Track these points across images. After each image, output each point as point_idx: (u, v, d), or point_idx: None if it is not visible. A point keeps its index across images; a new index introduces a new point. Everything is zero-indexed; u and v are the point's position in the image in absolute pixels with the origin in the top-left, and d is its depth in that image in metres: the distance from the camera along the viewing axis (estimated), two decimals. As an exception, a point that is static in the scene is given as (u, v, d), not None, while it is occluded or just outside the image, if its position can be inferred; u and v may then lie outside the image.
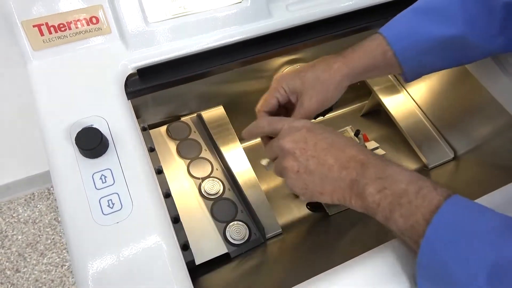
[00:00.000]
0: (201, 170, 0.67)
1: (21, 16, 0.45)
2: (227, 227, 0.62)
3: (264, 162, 0.50)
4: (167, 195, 0.61)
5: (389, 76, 0.85)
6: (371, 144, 0.72)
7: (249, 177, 0.69)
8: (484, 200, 0.51)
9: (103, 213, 0.40)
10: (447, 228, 0.32)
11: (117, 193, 0.41)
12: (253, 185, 0.68)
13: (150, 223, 0.41)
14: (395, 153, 0.79)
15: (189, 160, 0.68)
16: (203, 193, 0.64)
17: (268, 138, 0.49)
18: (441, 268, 0.32)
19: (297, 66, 0.49)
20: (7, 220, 1.41)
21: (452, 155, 0.75)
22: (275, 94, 0.49)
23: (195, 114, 0.75)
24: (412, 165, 0.77)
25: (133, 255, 0.39)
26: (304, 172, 0.40)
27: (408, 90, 0.84)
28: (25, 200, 1.45)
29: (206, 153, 0.70)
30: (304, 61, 0.72)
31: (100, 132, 0.42)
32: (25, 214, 1.42)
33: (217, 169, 0.68)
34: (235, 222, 0.62)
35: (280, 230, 0.64)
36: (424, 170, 0.75)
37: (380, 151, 0.71)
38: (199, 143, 0.71)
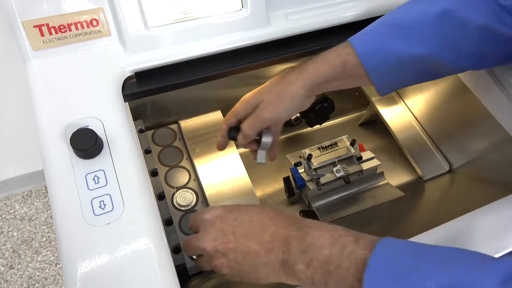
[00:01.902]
0: (178, 179, 0.67)
1: (22, 16, 0.45)
2: None
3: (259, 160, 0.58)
4: (161, 197, 0.62)
5: (388, 87, 0.86)
6: (367, 154, 0.72)
7: (244, 183, 0.69)
8: (477, 214, 0.51)
9: (94, 213, 0.41)
10: (380, 282, 0.32)
11: (109, 194, 0.41)
12: (247, 191, 0.68)
13: (140, 225, 0.41)
14: (391, 164, 0.80)
15: (168, 168, 0.67)
16: (174, 203, 0.63)
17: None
18: None
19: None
20: (3, 216, 1.41)
21: (447, 168, 0.75)
22: (234, 113, 0.53)
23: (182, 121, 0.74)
24: (407, 176, 0.77)
25: (122, 256, 0.39)
26: (234, 266, 0.40)
27: (406, 102, 0.84)
28: (22, 197, 1.45)
29: (186, 162, 0.69)
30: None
31: (95, 133, 0.42)
32: (22, 211, 1.42)
33: (194, 180, 0.67)
34: None
35: (273, 236, 0.64)
36: (419, 182, 0.75)
37: (375, 162, 0.71)
38: (181, 151, 0.70)
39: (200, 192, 0.65)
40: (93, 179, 0.42)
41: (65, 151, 0.43)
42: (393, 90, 0.51)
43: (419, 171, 0.75)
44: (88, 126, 0.44)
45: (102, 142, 0.44)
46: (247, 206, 0.43)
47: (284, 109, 0.50)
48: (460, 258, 0.32)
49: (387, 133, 0.82)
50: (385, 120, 0.81)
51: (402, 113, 0.83)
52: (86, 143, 0.41)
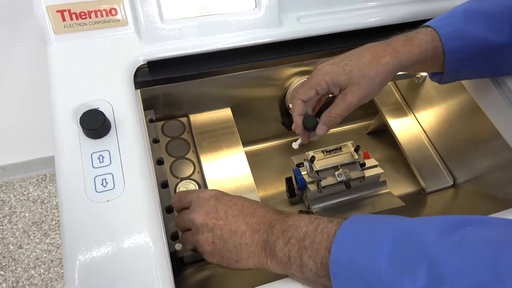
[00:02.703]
0: (183, 170, 0.68)
1: (47, 1, 0.48)
2: None
3: (295, 146, 0.55)
4: (164, 185, 0.63)
5: (398, 98, 0.86)
6: (371, 162, 0.73)
7: (247, 182, 0.70)
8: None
9: (96, 190, 0.43)
10: (347, 243, 0.34)
11: (111, 174, 0.44)
12: (250, 190, 0.69)
13: (138, 205, 0.43)
14: (395, 174, 0.80)
15: (174, 159, 0.69)
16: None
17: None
18: (353, 276, 0.33)
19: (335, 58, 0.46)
20: (17, 197, 1.46)
21: (451, 182, 0.75)
22: (315, 86, 0.47)
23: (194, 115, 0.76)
24: (410, 188, 0.77)
25: (118, 233, 0.41)
26: (219, 242, 0.41)
27: (416, 114, 0.84)
28: (37, 180, 1.50)
29: (192, 155, 0.71)
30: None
31: (104, 115, 0.44)
32: (35, 194, 1.47)
33: (198, 172, 0.69)
34: None
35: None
36: (421, 194, 0.75)
37: (378, 170, 0.72)
38: (188, 144, 0.72)
39: (203, 184, 0.67)
40: (98, 158, 0.44)
41: (75, 129, 0.45)
42: (455, 80, 0.51)
43: (422, 183, 0.75)
44: (98, 108, 0.46)
45: (110, 124, 0.46)
46: (243, 196, 0.45)
47: (372, 94, 0.47)
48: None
49: (394, 143, 0.82)
50: (393, 131, 0.82)
51: (411, 126, 0.84)
52: (95, 123, 0.44)
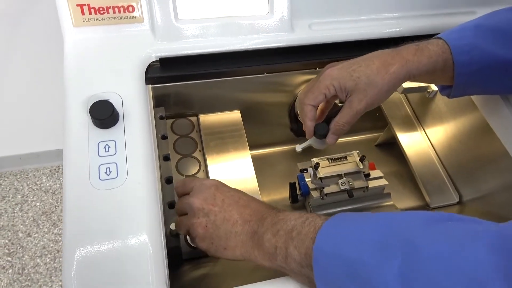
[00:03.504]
0: (188, 168, 0.69)
1: (69, -5, 0.50)
2: None
3: (299, 148, 0.56)
4: (168, 181, 0.65)
5: (408, 111, 0.86)
6: (376, 173, 0.73)
7: (251, 186, 0.71)
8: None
9: (99, 178, 0.44)
10: (331, 233, 0.35)
11: (115, 163, 0.45)
12: (253, 194, 0.70)
13: (139, 196, 0.44)
14: (400, 187, 0.79)
15: (181, 156, 0.71)
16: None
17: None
18: (335, 265, 0.34)
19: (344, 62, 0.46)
20: (30, 186, 1.50)
21: (457, 200, 0.74)
22: (324, 90, 0.47)
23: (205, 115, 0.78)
24: (414, 202, 0.76)
25: (117, 221, 0.42)
26: (211, 227, 0.43)
27: (425, 129, 0.84)
28: (50, 171, 1.54)
29: (199, 154, 0.72)
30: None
31: (113, 106, 0.46)
32: (47, 184, 1.51)
33: (203, 171, 0.69)
34: None
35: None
36: (425, 209, 0.74)
37: (383, 181, 0.71)
38: (196, 143, 0.73)
39: None
40: (104, 147, 0.46)
41: (84, 118, 0.47)
42: (464, 95, 0.50)
43: (427, 198, 0.75)
44: (108, 99, 0.48)
45: (118, 116, 0.47)
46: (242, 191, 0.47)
47: (378, 101, 0.47)
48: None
49: (401, 157, 0.82)
50: (401, 144, 0.82)
51: (420, 140, 0.83)
52: (103, 114, 0.45)
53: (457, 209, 0.73)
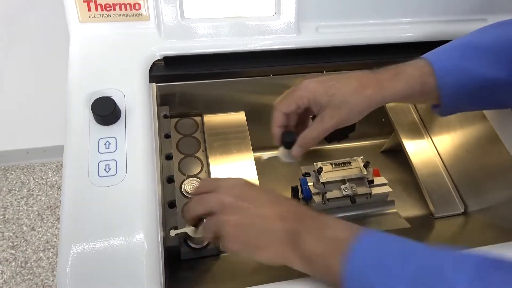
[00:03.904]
0: (190, 167, 0.69)
1: (75, -9, 0.50)
2: None
3: (265, 156, 0.53)
4: (170, 180, 0.64)
5: (416, 118, 0.85)
6: (380, 180, 0.72)
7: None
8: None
9: (98, 175, 0.44)
10: (367, 253, 0.35)
11: (115, 160, 0.45)
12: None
13: (137, 194, 0.44)
14: (405, 195, 0.78)
15: (183, 156, 0.70)
16: (182, 190, 0.65)
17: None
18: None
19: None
20: (36, 180, 1.51)
21: (462, 210, 0.73)
22: (297, 100, 0.46)
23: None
24: (418, 210, 0.75)
25: (114, 218, 0.42)
26: (243, 225, 0.40)
27: (432, 138, 0.83)
28: (56, 166, 1.55)
29: (202, 154, 0.71)
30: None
31: (115, 102, 0.46)
32: (53, 179, 1.52)
33: (205, 171, 0.69)
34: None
35: (269, 240, 0.65)
36: (429, 218, 0.73)
37: (387, 188, 0.71)
38: (199, 143, 0.73)
39: None
40: (105, 144, 0.46)
41: (86, 114, 0.47)
42: (456, 113, 0.49)
43: (431, 207, 0.73)
44: (111, 96, 0.48)
45: (120, 113, 0.47)
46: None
47: (349, 121, 0.47)
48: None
49: (407, 164, 0.81)
50: (407, 152, 0.80)
51: (426, 148, 0.82)
52: (105, 110, 0.45)
53: (461, 219, 0.72)
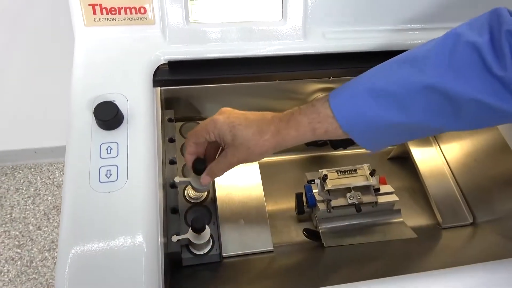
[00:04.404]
0: None
1: (81, -6, 0.50)
2: None
3: (177, 179, 0.57)
4: (173, 185, 0.64)
5: (424, 126, 0.83)
6: (386, 188, 0.70)
7: (256, 193, 0.70)
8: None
9: (99, 180, 0.44)
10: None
11: (116, 166, 0.44)
12: (258, 201, 0.69)
13: (137, 200, 0.43)
14: (412, 204, 0.77)
15: None
16: (185, 195, 0.65)
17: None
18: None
19: (232, 111, 0.50)
20: (43, 180, 1.52)
21: (470, 221, 0.71)
22: (205, 134, 0.51)
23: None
24: (424, 220, 0.74)
25: (114, 224, 0.41)
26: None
27: (441, 146, 0.81)
28: (64, 166, 1.55)
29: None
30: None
31: (117, 107, 0.45)
32: (60, 179, 1.52)
33: None
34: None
35: (272, 248, 0.64)
36: (436, 228, 0.72)
37: (393, 197, 0.69)
38: None
39: (212, 189, 0.67)
40: (106, 149, 0.45)
41: (89, 119, 0.47)
42: (381, 149, 0.49)
43: (438, 217, 0.72)
44: (114, 100, 0.47)
45: (123, 117, 0.47)
46: None
47: (251, 160, 0.51)
48: None
49: (414, 172, 0.79)
50: (414, 160, 0.79)
51: (435, 157, 0.80)
52: (107, 115, 0.45)
53: (469, 230, 0.70)
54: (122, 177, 0.44)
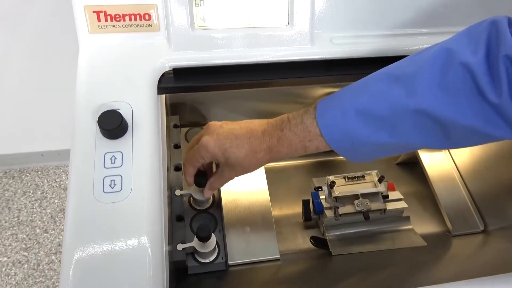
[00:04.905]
0: None
1: (85, 1, 0.50)
2: None
3: (178, 192, 0.60)
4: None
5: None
6: (395, 195, 0.69)
7: (262, 198, 0.69)
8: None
9: (103, 190, 0.43)
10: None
11: (121, 176, 0.44)
12: (264, 206, 0.68)
13: (142, 212, 0.42)
14: (421, 211, 0.75)
15: None
16: (191, 202, 0.64)
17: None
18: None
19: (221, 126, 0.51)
20: (50, 183, 1.52)
21: (481, 228, 0.70)
22: (200, 159, 0.52)
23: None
24: (434, 228, 0.72)
25: (118, 236, 0.41)
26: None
27: (450, 150, 0.80)
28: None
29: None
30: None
31: (121, 116, 0.45)
32: (67, 182, 1.52)
33: None
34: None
35: (278, 256, 0.63)
36: (446, 236, 0.70)
37: (402, 204, 0.68)
38: None
39: (217, 195, 0.66)
40: (111, 159, 0.45)
41: (93, 128, 0.46)
42: (368, 161, 0.48)
43: (448, 224, 0.70)
44: (118, 109, 0.47)
45: (127, 126, 0.46)
46: None
47: (250, 172, 0.52)
48: None
49: (423, 178, 0.78)
50: (423, 164, 0.78)
51: (444, 161, 0.79)
52: (111, 124, 0.44)
53: (481, 238, 0.69)
54: (126, 187, 0.43)
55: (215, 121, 0.53)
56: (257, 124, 0.51)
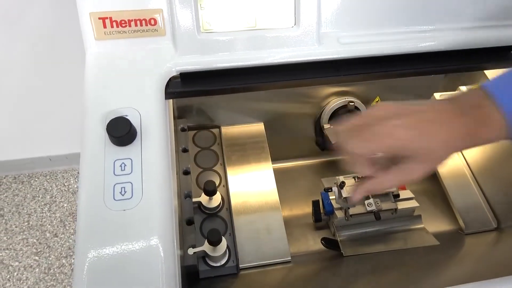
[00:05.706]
0: None
1: (91, 8, 0.50)
2: None
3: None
4: (187, 196, 0.63)
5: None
6: (406, 194, 0.68)
7: (271, 199, 0.69)
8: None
9: (114, 198, 0.43)
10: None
11: (131, 183, 0.44)
12: (273, 208, 0.68)
13: (153, 219, 0.42)
14: (432, 209, 0.75)
15: (201, 170, 0.69)
16: (200, 205, 0.64)
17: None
18: None
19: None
20: (59, 187, 1.53)
21: (494, 226, 0.69)
22: (383, 149, 0.40)
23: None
24: (446, 226, 0.71)
25: (129, 244, 0.41)
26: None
27: (461, 147, 0.79)
28: (78, 173, 1.56)
29: (220, 167, 0.70)
30: (350, 95, 0.71)
31: (130, 123, 0.45)
32: (75, 186, 1.54)
33: (223, 186, 0.67)
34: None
35: (289, 258, 0.63)
36: (458, 234, 0.69)
37: (413, 203, 0.67)
38: (217, 156, 0.71)
39: (226, 198, 0.66)
40: (120, 166, 0.44)
41: (102, 135, 0.46)
42: None
43: (461, 222, 0.70)
44: (127, 115, 0.47)
45: (136, 133, 0.46)
46: None
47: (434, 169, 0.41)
48: None
49: (433, 175, 0.77)
50: (434, 162, 0.77)
51: (454, 159, 0.78)
52: (120, 131, 0.44)
53: (494, 236, 0.68)
54: (137, 194, 0.43)
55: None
56: (434, 107, 0.41)
